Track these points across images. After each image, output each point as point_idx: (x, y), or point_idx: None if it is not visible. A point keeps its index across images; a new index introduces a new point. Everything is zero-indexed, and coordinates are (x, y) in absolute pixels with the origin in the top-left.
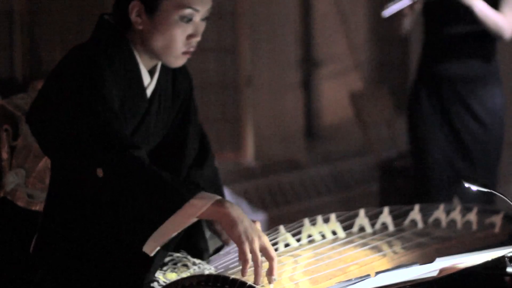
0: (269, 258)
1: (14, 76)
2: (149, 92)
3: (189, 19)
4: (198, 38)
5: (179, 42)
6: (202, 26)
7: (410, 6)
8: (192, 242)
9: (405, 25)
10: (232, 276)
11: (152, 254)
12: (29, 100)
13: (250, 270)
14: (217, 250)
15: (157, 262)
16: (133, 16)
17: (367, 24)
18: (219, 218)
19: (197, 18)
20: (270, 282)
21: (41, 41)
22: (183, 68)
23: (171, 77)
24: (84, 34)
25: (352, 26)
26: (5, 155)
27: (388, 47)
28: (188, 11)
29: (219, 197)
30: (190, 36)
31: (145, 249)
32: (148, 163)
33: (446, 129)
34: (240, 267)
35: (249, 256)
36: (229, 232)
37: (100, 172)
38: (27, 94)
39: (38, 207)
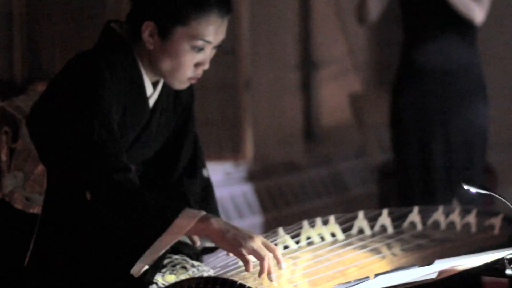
0: (260, 259)
1: (13, 77)
2: (151, 102)
3: (200, 49)
4: (206, 67)
5: (187, 69)
6: (212, 54)
7: None
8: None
9: (372, 11)
10: (231, 278)
11: (138, 275)
12: (30, 103)
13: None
14: (207, 249)
15: (153, 270)
16: (145, 36)
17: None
18: (205, 234)
19: (208, 48)
20: (271, 280)
21: (40, 42)
22: None
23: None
24: (84, 37)
25: (351, 28)
26: (4, 157)
27: (387, 49)
28: (200, 42)
29: (202, 214)
30: (198, 64)
31: (132, 271)
32: (135, 187)
33: (430, 127)
34: (239, 269)
35: (248, 256)
36: (220, 245)
37: (88, 196)
38: (27, 96)
39: (36, 210)
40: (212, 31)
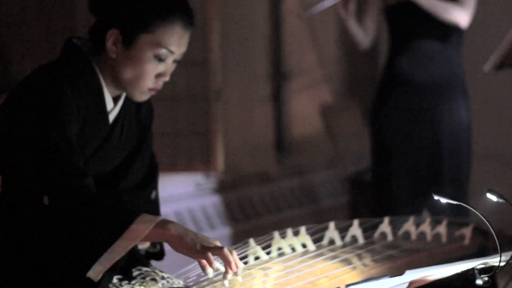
0: (221, 255)
1: None
2: (111, 117)
3: (162, 59)
4: (166, 79)
5: (148, 79)
6: (172, 67)
7: (344, 7)
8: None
9: (361, 39)
10: None
11: (97, 279)
12: None
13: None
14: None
15: (109, 273)
16: (109, 44)
17: (337, 37)
18: (163, 239)
19: (170, 59)
20: (237, 275)
21: (10, 55)
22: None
23: (135, 106)
24: (55, 49)
25: (321, 39)
26: None
27: (357, 60)
28: (163, 51)
29: (160, 219)
30: (159, 75)
31: (89, 275)
32: (93, 192)
33: (412, 138)
34: (210, 281)
35: (209, 255)
36: (178, 250)
37: (45, 200)
38: None
39: None
40: (175, 41)
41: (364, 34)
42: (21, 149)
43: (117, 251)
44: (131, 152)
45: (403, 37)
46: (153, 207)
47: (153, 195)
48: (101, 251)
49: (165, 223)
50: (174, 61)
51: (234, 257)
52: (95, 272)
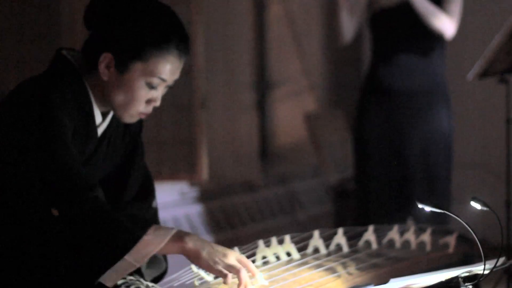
0: (236, 273)
1: None
2: (99, 131)
3: (154, 87)
4: (157, 104)
5: (139, 105)
6: (164, 92)
7: None
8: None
9: (346, 33)
10: None
11: (110, 286)
12: None
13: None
14: (157, 278)
15: None
16: (102, 67)
17: (321, 46)
18: (181, 252)
19: (162, 86)
20: None
21: None
22: None
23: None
24: (40, 60)
25: (306, 47)
26: None
27: (342, 68)
28: (156, 80)
29: (175, 231)
30: (150, 101)
31: (103, 280)
32: (103, 202)
33: (393, 146)
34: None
35: (225, 271)
36: (196, 263)
37: (55, 212)
38: None
39: None
40: (169, 70)
41: (349, 28)
42: (23, 165)
43: (130, 263)
44: (124, 165)
45: (386, 45)
46: (154, 217)
47: (154, 204)
48: (111, 263)
49: (181, 236)
50: (166, 86)
51: (257, 277)
52: (110, 279)
